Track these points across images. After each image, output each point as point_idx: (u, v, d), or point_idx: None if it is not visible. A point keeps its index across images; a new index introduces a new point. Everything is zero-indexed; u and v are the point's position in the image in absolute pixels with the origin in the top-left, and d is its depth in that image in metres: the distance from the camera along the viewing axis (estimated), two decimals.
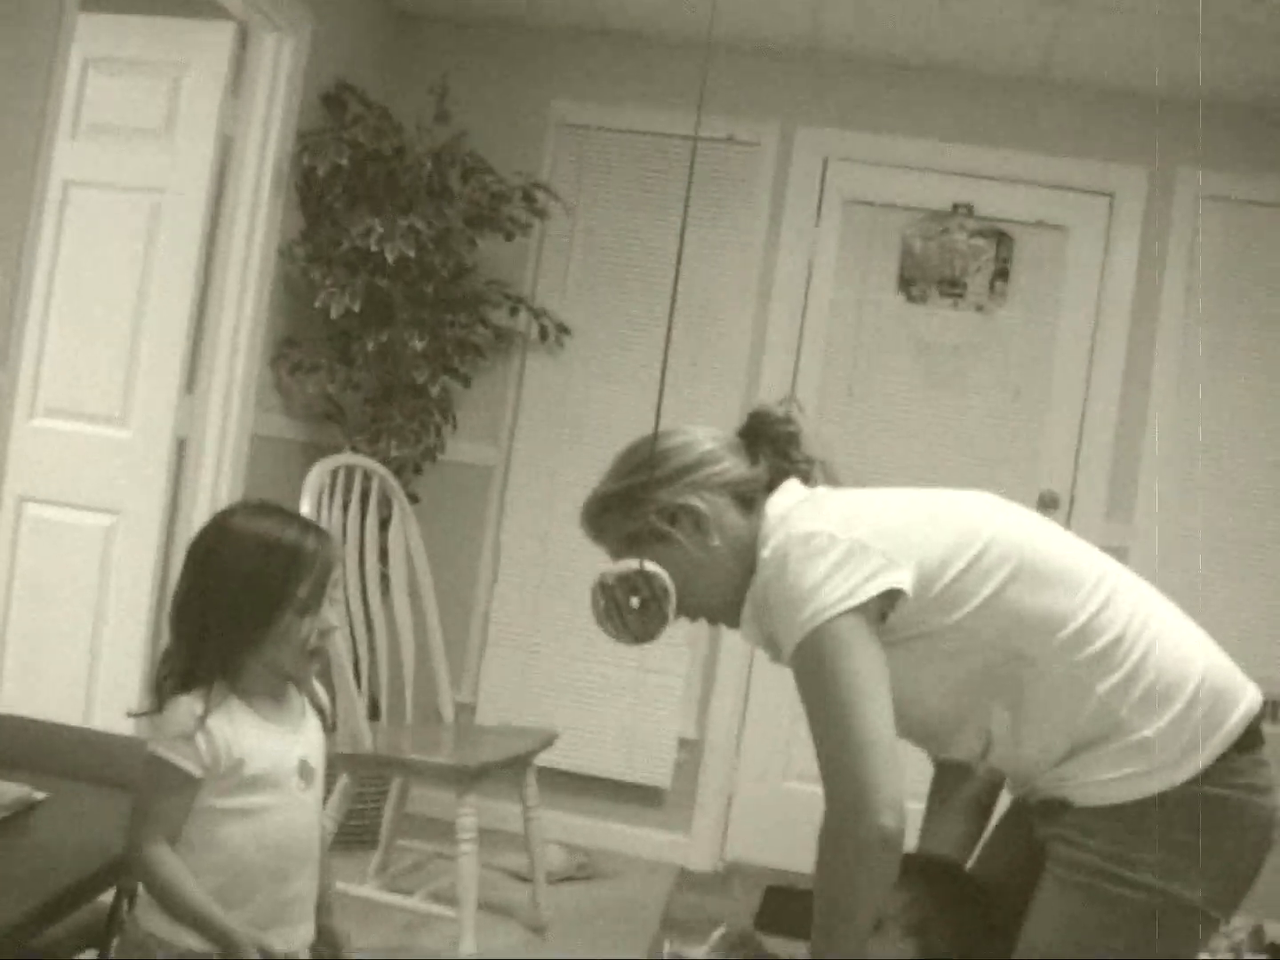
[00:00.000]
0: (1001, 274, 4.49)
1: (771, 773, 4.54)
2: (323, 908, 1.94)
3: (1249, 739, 1.67)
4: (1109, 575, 1.74)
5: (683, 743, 4.54)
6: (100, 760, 2.30)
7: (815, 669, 1.67)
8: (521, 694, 4.56)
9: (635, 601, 1.80)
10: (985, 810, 1.97)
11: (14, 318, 2.91)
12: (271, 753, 1.79)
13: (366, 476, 3.59)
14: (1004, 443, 4.45)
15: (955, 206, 4.50)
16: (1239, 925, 4.08)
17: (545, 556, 4.54)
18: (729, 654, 4.50)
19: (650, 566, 1.80)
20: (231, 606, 1.75)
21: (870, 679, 1.65)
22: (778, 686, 4.45)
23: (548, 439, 4.57)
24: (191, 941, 1.74)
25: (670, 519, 1.84)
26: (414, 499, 4.06)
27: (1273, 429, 4.34)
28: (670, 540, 1.83)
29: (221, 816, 1.76)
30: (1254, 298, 4.34)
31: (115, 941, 1.86)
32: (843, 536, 1.68)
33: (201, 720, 1.73)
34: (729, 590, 1.84)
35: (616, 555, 1.89)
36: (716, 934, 3.48)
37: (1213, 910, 1.66)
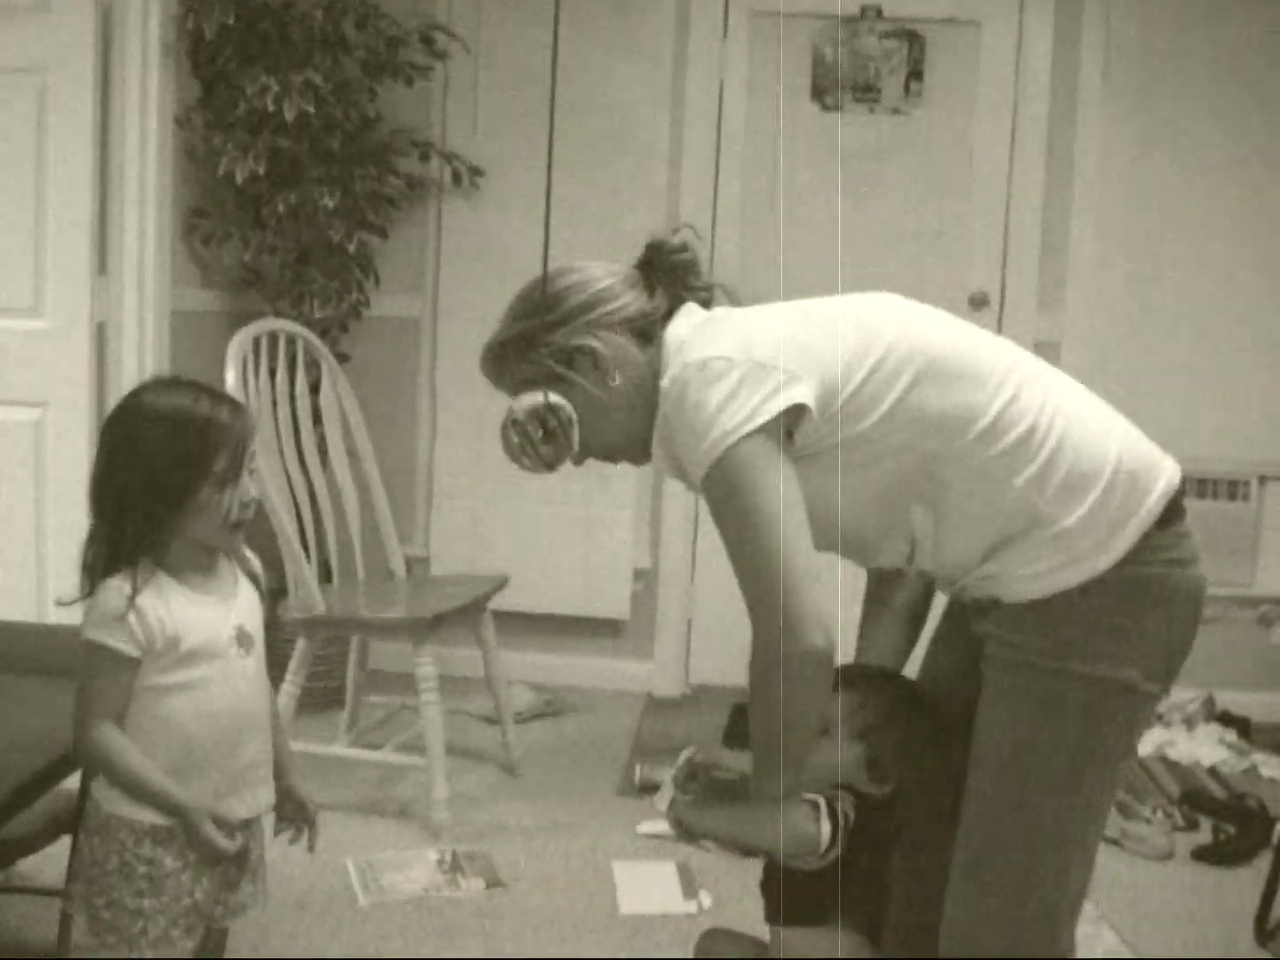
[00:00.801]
0: (915, 75, 4.43)
1: (729, 594, 4.55)
2: (281, 770, 1.98)
3: (1170, 514, 1.68)
4: (1017, 368, 1.73)
5: (638, 573, 4.59)
6: (48, 652, 2.32)
7: (726, 497, 1.67)
8: (473, 542, 4.58)
9: (541, 433, 1.80)
10: (919, 617, 1.98)
11: None
12: (206, 624, 1.80)
13: (290, 340, 3.56)
14: (929, 245, 4.43)
15: (864, 10, 4.41)
16: (1191, 697, 4.22)
17: (482, 403, 4.45)
18: (675, 481, 4.51)
19: (554, 398, 1.80)
20: (148, 484, 1.74)
21: (781, 500, 1.63)
22: None
23: (472, 284, 4.51)
24: (151, 817, 1.78)
25: (567, 361, 1.82)
26: (343, 359, 4.03)
27: (1196, 209, 4.33)
28: (569, 383, 1.82)
29: (164, 693, 1.78)
30: (1169, 76, 4.29)
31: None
32: (739, 358, 1.66)
33: (131, 600, 1.73)
34: (634, 427, 1.83)
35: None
36: (684, 755, 3.59)
37: (1151, 685, 1.68)
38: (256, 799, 1.89)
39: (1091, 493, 1.65)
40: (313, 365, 3.65)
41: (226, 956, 2.06)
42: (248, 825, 1.90)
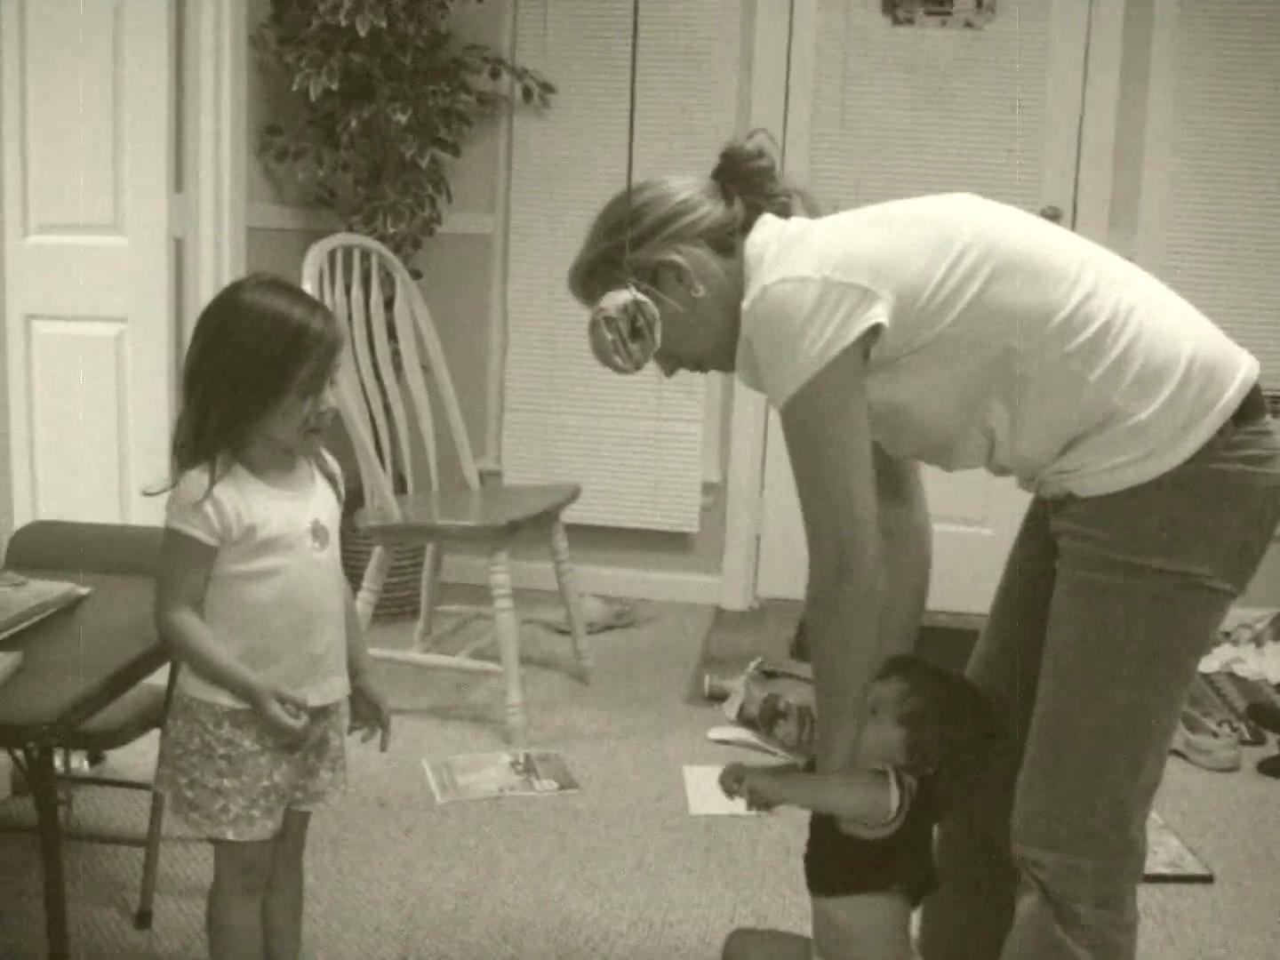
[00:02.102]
0: None
1: (796, 510, 4.60)
2: (357, 669, 2.04)
3: (1249, 410, 1.67)
4: (1094, 264, 1.72)
5: (707, 487, 4.64)
6: (137, 554, 2.39)
7: (799, 430, 1.70)
8: (544, 456, 4.64)
9: (630, 330, 1.82)
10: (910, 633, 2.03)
11: None
12: (282, 517, 1.86)
13: (365, 256, 3.60)
14: (1002, 160, 4.39)
15: None
16: (1260, 615, 4.20)
17: (554, 318, 4.56)
18: (744, 396, 4.55)
19: (640, 295, 1.82)
20: (235, 381, 1.79)
21: (857, 436, 1.67)
22: None
23: (544, 201, 4.54)
24: (229, 701, 1.84)
25: (651, 277, 1.83)
26: (416, 275, 4.08)
27: (1276, 126, 4.26)
28: (655, 298, 1.82)
29: (242, 581, 1.84)
30: None
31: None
32: (816, 278, 1.67)
33: (209, 490, 1.79)
34: (721, 337, 1.85)
35: None
36: (753, 664, 3.64)
37: (1223, 584, 1.67)
38: (331, 687, 1.95)
39: (1167, 387, 1.65)
40: (387, 281, 3.69)
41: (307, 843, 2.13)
42: (324, 714, 1.96)
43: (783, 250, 1.77)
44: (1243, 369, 1.69)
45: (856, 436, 1.68)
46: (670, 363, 1.92)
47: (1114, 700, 1.69)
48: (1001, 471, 1.85)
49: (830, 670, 1.76)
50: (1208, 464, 1.64)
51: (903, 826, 1.78)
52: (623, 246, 1.82)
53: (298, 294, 1.86)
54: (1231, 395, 1.66)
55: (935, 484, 2.03)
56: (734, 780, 1.88)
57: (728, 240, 1.84)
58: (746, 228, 1.85)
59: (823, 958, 1.91)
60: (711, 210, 1.84)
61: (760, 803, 1.90)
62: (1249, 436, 1.67)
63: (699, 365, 1.94)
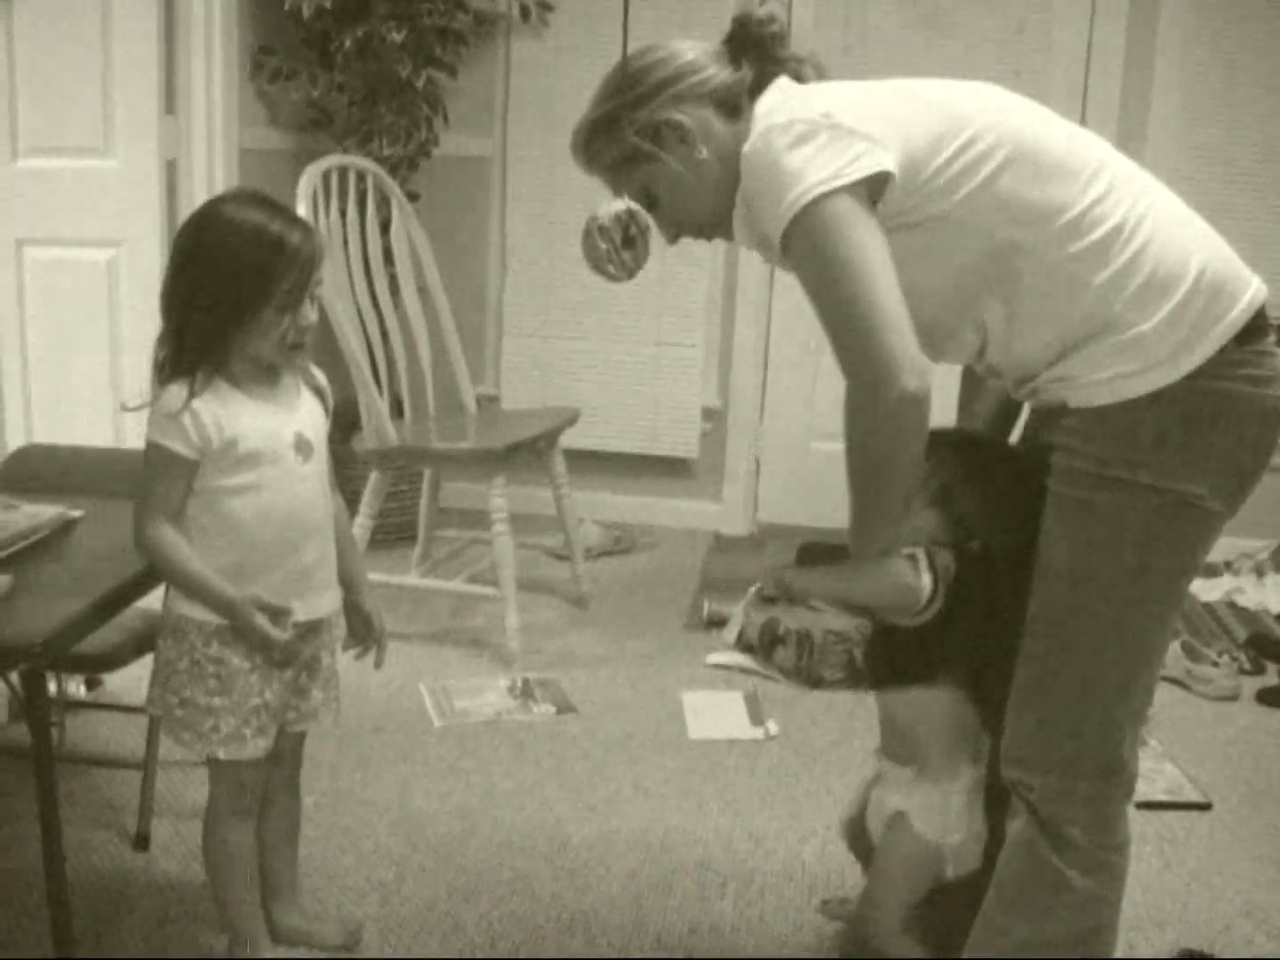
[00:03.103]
0: None
1: (797, 435, 4.61)
2: (352, 586, 2.03)
3: (1253, 330, 1.64)
4: (1109, 165, 1.69)
5: (707, 412, 4.61)
6: (130, 478, 2.36)
7: (811, 249, 1.63)
8: (542, 380, 4.61)
9: (622, 239, 1.79)
10: (1013, 406, 1.97)
11: None
12: (265, 430, 1.84)
13: (360, 177, 3.55)
14: (1008, 84, 4.28)
15: None
16: (1261, 545, 4.19)
17: (551, 242, 4.51)
18: (745, 320, 4.52)
19: (634, 204, 1.79)
20: (213, 295, 1.77)
21: (871, 249, 1.60)
22: (797, 350, 4.50)
23: (542, 124, 4.47)
24: (214, 617, 1.84)
25: (654, 136, 1.79)
26: (413, 197, 4.02)
27: None
28: (657, 159, 1.78)
29: (225, 494, 1.83)
30: None
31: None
32: (825, 123, 1.63)
33: (187, 403, 1.78)
34: (723, 201, 1.80)
35: (608, 183, 1.87)
36: (752, 590, 3.63)
37: (1215, 504, 1.66)
38: (319, 602, 1.95)
39: (1171, 299, 1.62)
40: (383, 203, 3.64)
41: (302, 764, 2.13)
42: (315, 631, 1.96)
43: (791, 100, 1.74)
44: (1250, 289, 1.67)
45: (871, 250, 1.60)
46: (672, 229, 1.88)
47: (1104, 620, 1.68)
48: (992, 372, 1.82)
49: (873, 481, 1.68)
50: (1207, 381, 1.62)
51: (944, 613, 1.74)
52: (625, 106, 1.78)
53: (277, 208, 1.83)
54: (1237, 314, 1.63)
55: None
56: (774, 583, 1.86)
57: (734, 102, 1.80)
58: (755, 91, 1.80)
59: (886, 753, 1.95)
60: (718, 73, 1.80)
61: (788, 596, 1.87)
62: (1251, 356, 1.64)
63: (701, 232, 1.90)
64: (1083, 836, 1.71)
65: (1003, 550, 1.76)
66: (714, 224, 1.86)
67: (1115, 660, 1.69)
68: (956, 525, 1.76)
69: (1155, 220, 1.66)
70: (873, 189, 1.63)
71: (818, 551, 4.19)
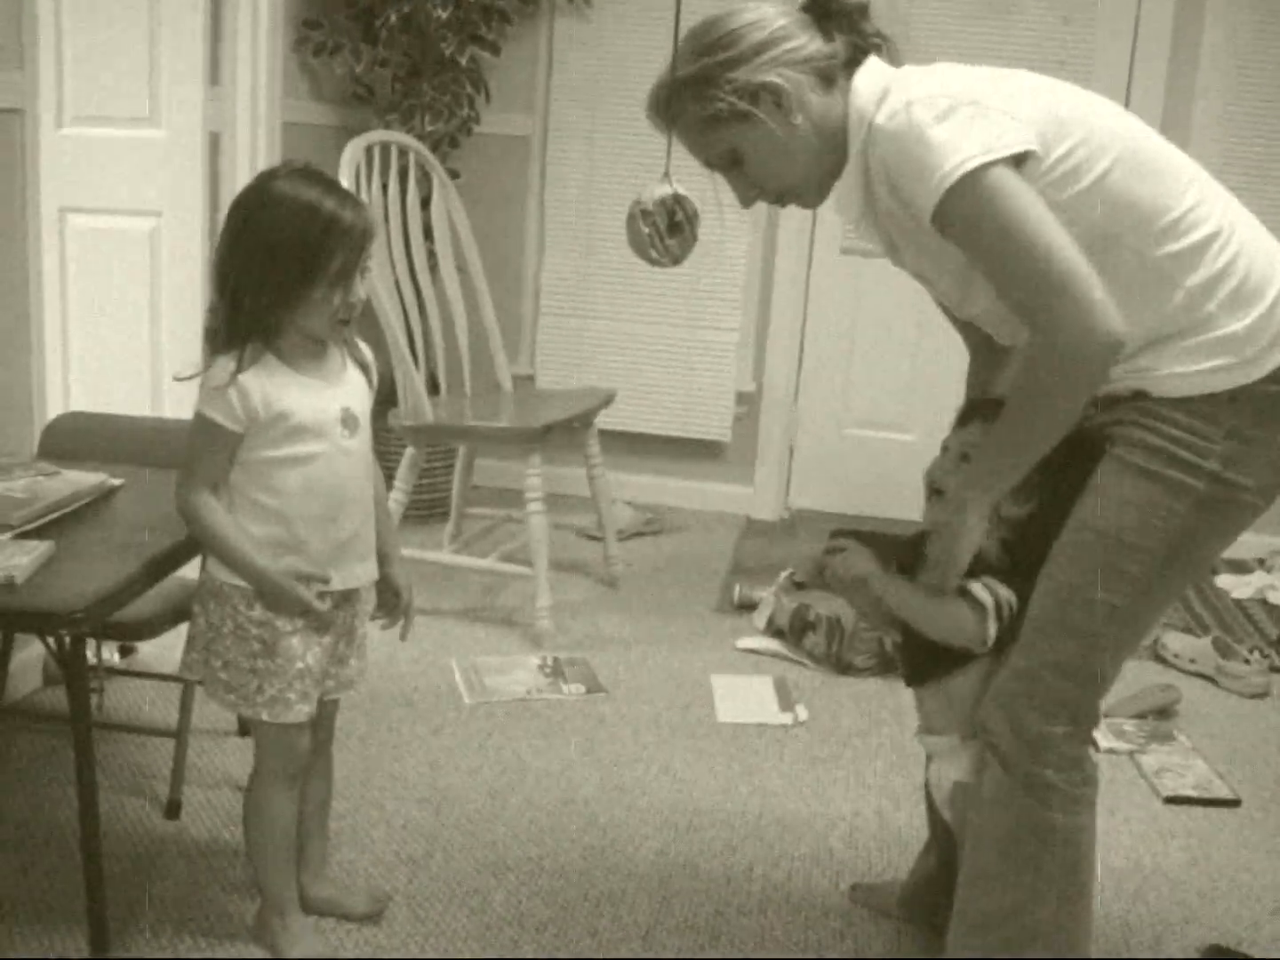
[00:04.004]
0: None
1: (830, 421, 4.60)
2: (384, 558, 2.04)
3: None
4: (1199, 177, 1.76)
5: (740, 396, 4.61)
6: (169, 446, 2.38)
7: (981, 213, 1.63)
8: (578, 361, 4.62)
9: (668, 224, 1.78)
10: None
11: (23, 20, 2.85)
12: (312, 404, 1.86)
13: (402, 153, 3.56)
14: (1054, 71, 4.23)
15: None
16: None
17: (590, 223, 4.51)
18: (782, 306, 4.51)
19: (681, 189, 1.78)
20: (265, 270, 1.77)
21: (1042, 207, 1.61)
22: (832, 336, 4.49)
23: (583, 104, 4.48)
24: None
25: (751, 98, 1.77)
26: (454, 175, 4.03)
27: None
28: (752, 120, 1.77)
29: (273, 466, 1.85)
30: None
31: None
32: (965, 98, 1.65)
33: (234, 376, 1.79)
34: (813, 169, 1.82)
35: (689, 144, 1.85)
36: (783, 574, 3.63)
37: (1259, 499, 1.75)
38: (354, 573, 1.96)
39: (1259, 306, 1.69)
40: (424, 180, 3.65)
41: (335, 736, 2.14)
42: (349, 601, 1.98)
43: (914, 78, 1.74)
44: None
45: (1041, 204, 1.62)
46: (752, 192, 1.88)
47: (1130, 581, 1.74)
48: None
49: (1051, 426, 1.68)
50: (1276, 385, 1.70)
51: None
52: (721, 65, 1.77)
53: (330, 183, 1.84)
54: None
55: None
56: (835, 549, 1.91)
57: (830, 74, 1.79)
58: (849, 66, 1.80)
59: (924, 730, 2.02)
60: (809, 42, 1.80)
61: (822, 585, 1.92)
62: None
63: (781, 198, 1.90)
64: (1057, 776, 1.79)
65: (1044, 521, 1.82)
66: (797, 190, 1.87)
67: (1125, 620, 1.77)
68: (1016, 493, 1.80)
69: (1245, 229, 1.74)
70: (1019, 165, 1.65)
71: (849, 538, 4.19)
